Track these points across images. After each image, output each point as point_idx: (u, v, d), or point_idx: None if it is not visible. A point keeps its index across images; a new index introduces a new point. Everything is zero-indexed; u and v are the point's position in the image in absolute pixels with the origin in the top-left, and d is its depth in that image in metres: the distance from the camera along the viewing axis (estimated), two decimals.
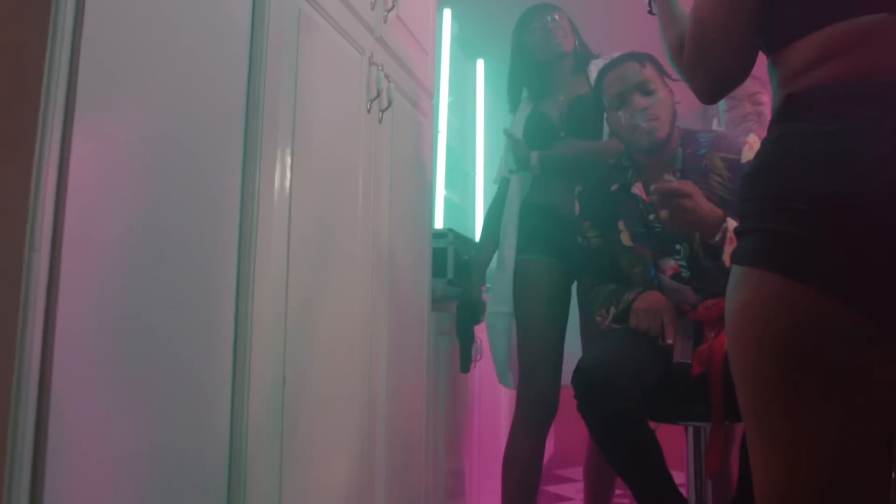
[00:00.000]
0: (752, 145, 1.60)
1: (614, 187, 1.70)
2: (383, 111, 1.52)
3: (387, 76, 1.53)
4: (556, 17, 2.01)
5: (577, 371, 1.51)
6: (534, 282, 1.94)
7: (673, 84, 1.63)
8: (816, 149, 0.71)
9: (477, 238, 3.54)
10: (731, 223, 1.45)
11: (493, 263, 2.12)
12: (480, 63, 3.66)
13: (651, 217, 1.63)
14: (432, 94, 1.94)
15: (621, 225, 1.68)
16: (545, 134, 1.99)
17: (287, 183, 1.13)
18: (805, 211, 0.70)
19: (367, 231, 1.45)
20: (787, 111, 0.76)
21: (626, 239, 1.68)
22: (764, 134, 2.06)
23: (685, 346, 1.56)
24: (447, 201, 3.26)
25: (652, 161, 1.65)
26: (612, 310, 1.68)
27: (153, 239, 0.86)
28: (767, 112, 2.09)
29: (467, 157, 3.68)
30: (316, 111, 1.25)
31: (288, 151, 1.14)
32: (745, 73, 0.83)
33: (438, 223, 2.98)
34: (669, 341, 1.58)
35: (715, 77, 0.82)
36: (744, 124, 2.07)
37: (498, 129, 4.06)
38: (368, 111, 1.46)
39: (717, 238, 1.44)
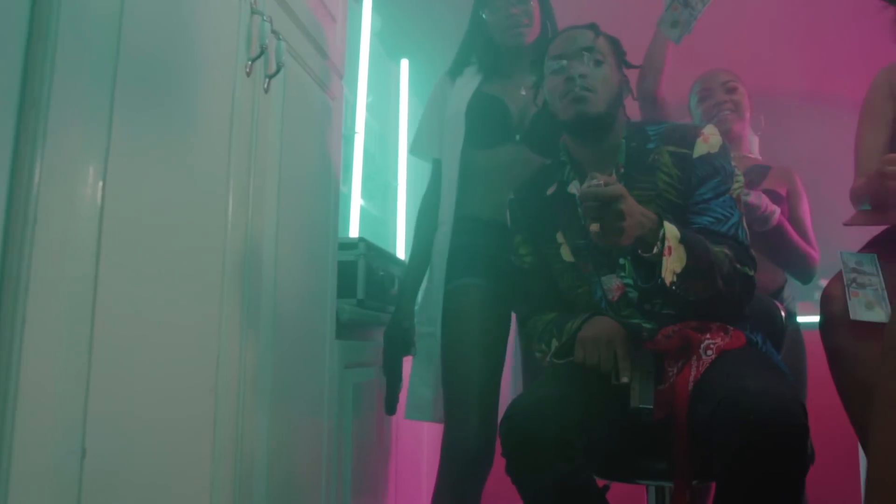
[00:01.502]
0: (706, 137, 1.32)
1: (550, 190, 1.40)
2: (270, 77, 1.16)
3: (275, 32, 1.18)
4: None
5: (506, 421, 1.17)
6: (466, 309, 1.59)
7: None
8: None
9: (399, 253, 3.22)
10: (670, 230, 1.15)
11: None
12: (405, 63, 3.34)
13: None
14: (342, 73, 1.60)
15: (560, 237, 1.38)
16: (498, 125, 1.64)
17: (93, 172, 0.75)
18: None
19: (241, 239, 1.07)
20: None
21: (566, 254, 1.38)
22: (743, 126, 1.82)
23: (645, 386, 1.25)
24: (364, 212, 2.90)
25: (591, 154, 1.36)
26: (554, 342, 1.36)
27: None
28: (745, 102, 1.86)
29: (389, 166, 3.34)
30: (155, 64, 0.88)
31: (100, 123, 0.76)
32: None
33: (353, 234, 2.61)
34: (624, 380, 1.27)
35: None
36: (719, 115, 1.84)
37: None
38: (248, 74, 1.10)
39: (655, 251, 1.14)
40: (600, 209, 1.09)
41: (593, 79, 1.32)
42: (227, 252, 1.03)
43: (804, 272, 1.82)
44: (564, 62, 1.34)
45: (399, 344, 1.68)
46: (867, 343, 1.27)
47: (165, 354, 0.87)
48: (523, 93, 1.65)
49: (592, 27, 1.37)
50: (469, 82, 1.72)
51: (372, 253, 1.73)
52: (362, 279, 1.66)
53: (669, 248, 1.14)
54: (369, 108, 3.06)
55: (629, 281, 1.31)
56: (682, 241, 1.16)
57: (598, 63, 1.33)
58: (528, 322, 1.45)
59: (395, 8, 3.09)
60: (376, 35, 3.20)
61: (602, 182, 1.10)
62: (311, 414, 1.36)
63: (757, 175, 1.77)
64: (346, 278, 1.64)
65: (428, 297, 1.69)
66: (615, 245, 1.12)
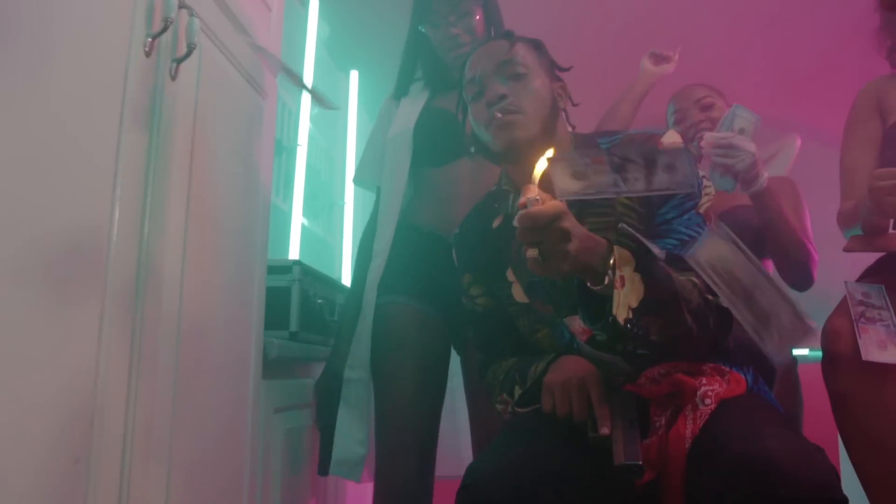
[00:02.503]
0: (666, 147, 1.11)
1: (496, 223, 1.20)
2: (179, 62, 0.93)
3: (187, 8, 0.95)
4: (466, 8, 1.47)
5: (465, 492, 0.95)
6: (400, 334, 1.41)
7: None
8: None
9: (345, 278, 2.99)
10: (622, 255, 0.94)
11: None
12: (354, 74, 3.13)
13: None
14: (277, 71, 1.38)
15: (510, 275, 1.18)
16: (450, 138, 1.47)
17: None
18: None
19: (131, 263, 0.84)
20: None
21: (518, 293, 1.17)
22: None
23: (630, 437, 1.05)
24: (307, 232, 2.67)
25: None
26: (517, 389, 1.15)
27: None
28: None
29: (336, 184, 3.11)
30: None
31: None
32: None
33: (294, 256, 2.37)
34: (605, 431, 1.06)
35: None
36: (697, 137, 1.67)
37: None
38: (147, 53, 0.87)
39: (606, 281, 0.93)
40: (539, 231, 0.88)
41: (517, 96, 1.10)
42: (110, 279, 0.79)
43: (801, 272, 1.55)
44: (481, 87, 1.14)
45: (335, 395, 1.46)
46: (879, 387, 1.10)
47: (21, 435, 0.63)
48: None
49: (507, 35, 1.18)
50: (416, 100, 1.56)
51: (309, 278, 1.50)
52: (296, 308, 1.43)
53: (622, 277, 0.93)
54: (314, 120, 2.84)
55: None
56: (638, 268, 0.95)
57: (518, 76, 1.12)
58: (488, 372, 1.24)
59: (345, 16, 2.90)
60: (324, 43, 2.99)
61: (538, 198, 0.88)
62: (228, 472, 1.12)
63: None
64: (277, 307, 1.40)
65: (358, 337, 1.47)
66: (559, 274, 0.90)
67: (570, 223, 0.88)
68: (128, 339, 0.83)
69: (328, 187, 3.00)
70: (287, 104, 2.52)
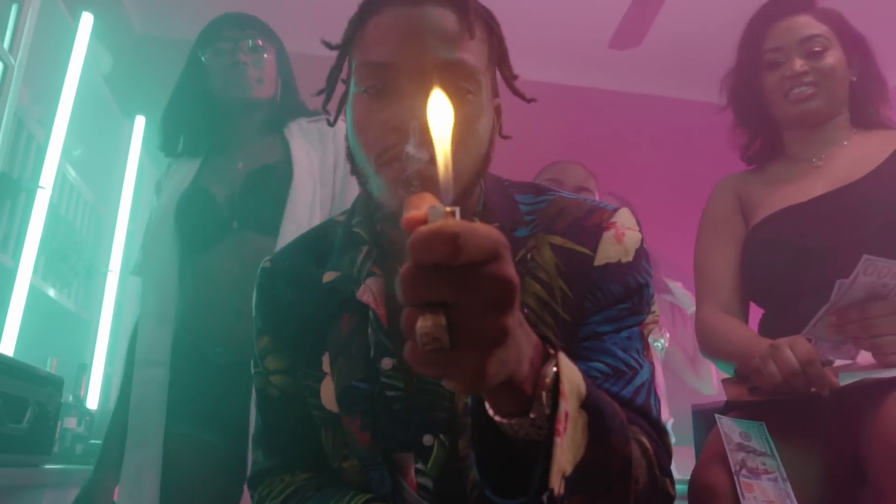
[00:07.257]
0: (620, 233, 0.72)
1: (329, 277, 0.76)
2: None
3: None
4: (259, 42, 1.37)
5: None
6: (181, 474, 1.22)
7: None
8: None
9: (97, 365, 2.36)
10: (570, 373, 0.50)
11: None
12: (140, 121, 2.63)
13: (389, 364, 0.71)
14: None
15: (326, 363, 0.74)
16: (207, 222, 1.30)
17: None
18: None
19: None
20: None
21: (328, 396, 0.74)
22: None
23: None
24: (47, 303, 2.05)
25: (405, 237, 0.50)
26: None
27: None
28: None
29: (101, 246, 2.53)
30: None
31: None
32: None
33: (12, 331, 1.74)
34: None
35: None
36: None
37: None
38: None
39: (535, 416, 0.49)
40: (464, 275, 0.38)
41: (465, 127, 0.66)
42: None
43: None
44: (400, 82, 0.66)
45: None
46: None
47: None
48: (240, 166, 1.33)
49: None
50: (184, 170, 1.38)
51: None
52: None
53: (566, 414, 0.49)
54: (79, 166, 2.30)
55: (429, 470, 0.69)
56: (588, 403, 0.52)
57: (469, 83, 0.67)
58: (261, 484, 0.79)
59: (133, 47, 2.42)
60: (104, 78, 2.48)
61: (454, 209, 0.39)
62: None
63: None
64: None
65: (145, 467, 1.22)
66: (469, 383, 0.41)
67: (514, 272, 0.40)
68: None
69: (89, 250, 2.40)
70: (35, 135, 1.97)
